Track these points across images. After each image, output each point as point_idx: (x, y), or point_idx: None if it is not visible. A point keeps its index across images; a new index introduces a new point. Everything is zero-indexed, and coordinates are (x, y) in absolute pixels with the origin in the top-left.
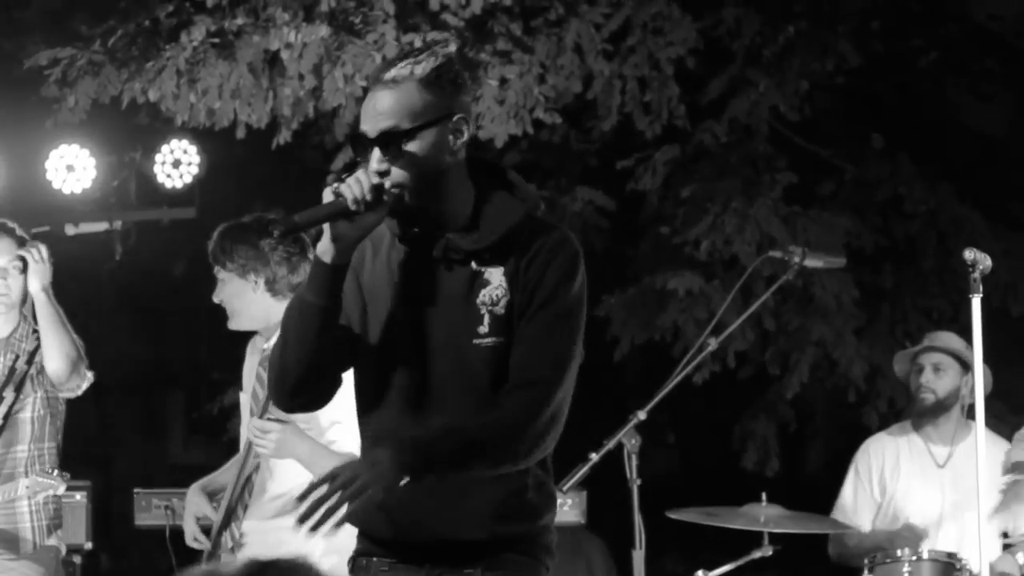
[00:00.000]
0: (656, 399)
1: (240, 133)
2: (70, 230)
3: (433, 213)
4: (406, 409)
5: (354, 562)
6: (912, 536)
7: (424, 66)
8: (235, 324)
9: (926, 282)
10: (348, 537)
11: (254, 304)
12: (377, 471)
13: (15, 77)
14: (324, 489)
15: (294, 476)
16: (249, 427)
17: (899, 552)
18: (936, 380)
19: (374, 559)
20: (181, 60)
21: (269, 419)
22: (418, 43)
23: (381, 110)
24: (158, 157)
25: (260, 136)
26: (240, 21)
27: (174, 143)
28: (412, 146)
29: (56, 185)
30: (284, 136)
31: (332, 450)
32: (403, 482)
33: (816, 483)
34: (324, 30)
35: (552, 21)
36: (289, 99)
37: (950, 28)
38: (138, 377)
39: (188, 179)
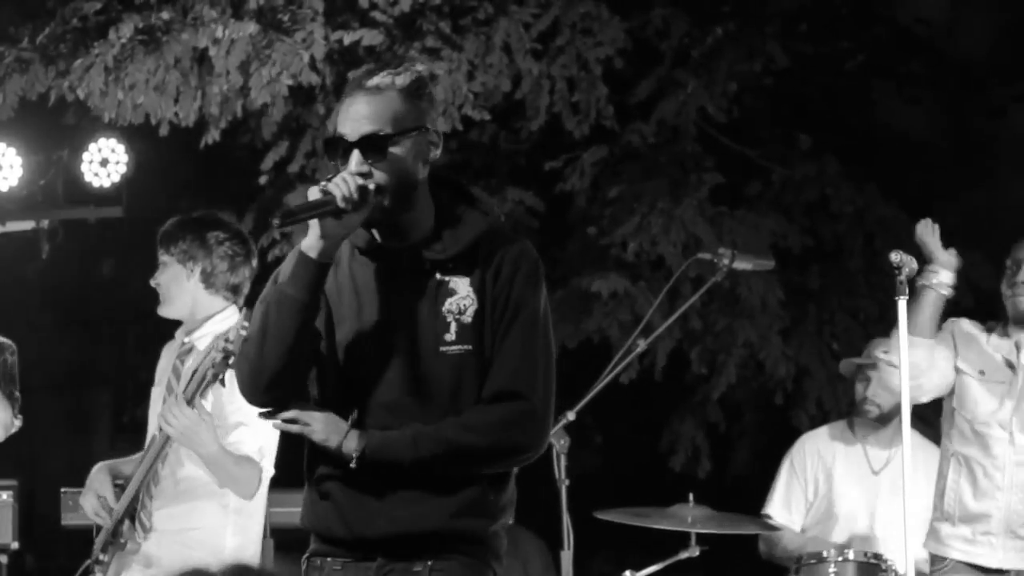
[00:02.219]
0: (585, 399)
1: (164, 131)
2: None
3: (401, 223)
4: (371, 413)
5: (308, 562)
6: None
7: (404, 78)
8: (165, 310)
9: (852, 283)
10: (257, 523)
11: (186, 293)
12: (340, 429)
13: None
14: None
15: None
16: (163, 409)
17: (825, 553)
18: (883, 393)
19: (328, 559)
20: (109, 57)
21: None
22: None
23: (364, 115)
24: (85, 156)
25: (188, 135)
26: (167, 16)
27: (102, 142)
28: (394, 150)
29: None
30: (212, 135)
31: (234, 454)
32: (351, 454)
33: (743, 484)
34: (252, 27)
35: (481, 20)
36: (217, 97)
37: (877, 31)
38: (64, 376)
39: (116, 178)
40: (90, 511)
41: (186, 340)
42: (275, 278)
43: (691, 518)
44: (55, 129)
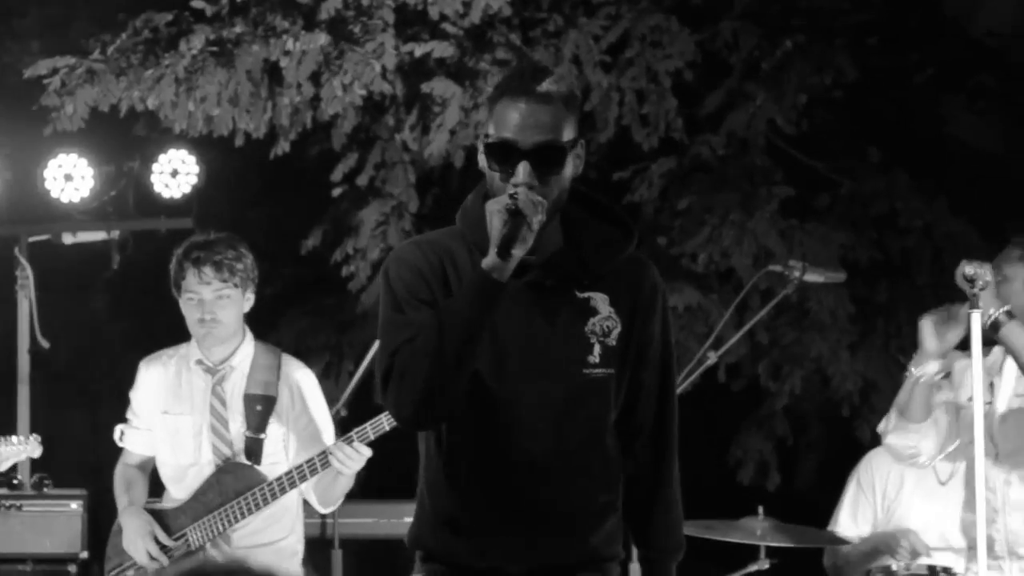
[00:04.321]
0: None
1: (239, 141)
2: (68, 239)
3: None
4: (508, 437)
5: None
6: (907, 540)
7: (564, 87)
8: (224, 349)
9: (921, 297)
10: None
11: (239, 322)
12: None
13: (13, 86)
14: None
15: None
16: (338, 450)
17: (894, 567)
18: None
19: None
20: (180, 68)
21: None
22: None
23: (537, 123)
24: (156, 167)
25: (257, 146)
26: (239, 30)
27: (172, 153)
28: (562, 164)
29: (54, 194)
30: (282, 146)
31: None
32: None
33: (810, 497)
34: (323, 38)
35: (551, 32)
36: (287, 109)
37: (947, 44)
38: (132, 386)
39: (186, 189)
40: (144, 556)
41: (220, 365)
42: (392, 296)
43: (760, 531)
44: (126, 140)
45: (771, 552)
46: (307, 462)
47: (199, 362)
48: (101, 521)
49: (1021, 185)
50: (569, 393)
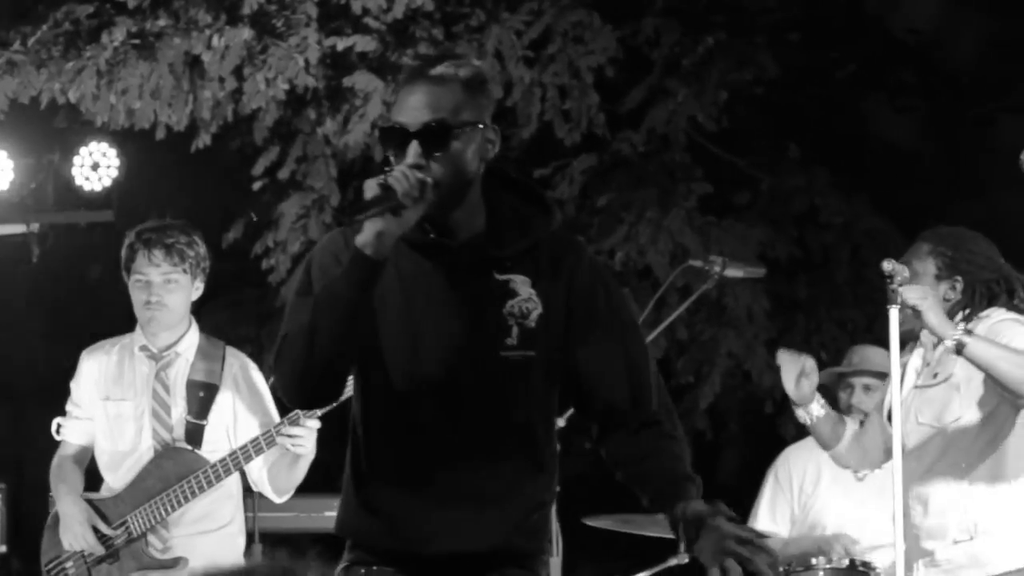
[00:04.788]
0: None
1: (160, 134)
2: None
3: (450, 220)
4: (423, 420)
5: (348, 571)
6: (839, 544)
7: (467, 70)
8: (169, 336)
9: (840, 293)
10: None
11: (186, 309)
12: None
13: None
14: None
15: (227, 481)
16: (287, 433)
17: (813, 560)
18: (867, 400)
19: (373, 568)
20: (102, 60)
21: (303, 425)
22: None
23: (426, 104)
24: (77, 159)
25: (179, 139)
26: (162, 23)
27: (93, 146)
28: (454, 144)
29: None
30: (203, 139)
31: None
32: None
33: (730, 492)
34: (247, 33)
35: (473, 27)
36: (209, 102)
37: (868, 41)
38: (51, 380)
39: (107, 182)
40: (88, 544)
41: (165, 352)
42: (306, 280)
43: None
44: (46, 132)
45: None
46: (251, 441)
47: (143, 348)
48: (21, 515)
49: (940, 182)
50: (486, 376)
